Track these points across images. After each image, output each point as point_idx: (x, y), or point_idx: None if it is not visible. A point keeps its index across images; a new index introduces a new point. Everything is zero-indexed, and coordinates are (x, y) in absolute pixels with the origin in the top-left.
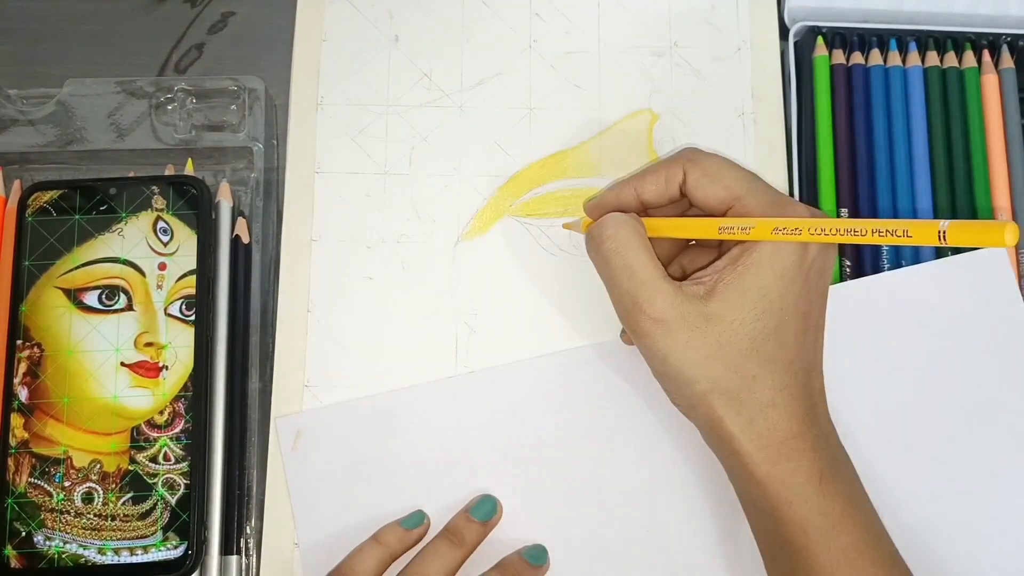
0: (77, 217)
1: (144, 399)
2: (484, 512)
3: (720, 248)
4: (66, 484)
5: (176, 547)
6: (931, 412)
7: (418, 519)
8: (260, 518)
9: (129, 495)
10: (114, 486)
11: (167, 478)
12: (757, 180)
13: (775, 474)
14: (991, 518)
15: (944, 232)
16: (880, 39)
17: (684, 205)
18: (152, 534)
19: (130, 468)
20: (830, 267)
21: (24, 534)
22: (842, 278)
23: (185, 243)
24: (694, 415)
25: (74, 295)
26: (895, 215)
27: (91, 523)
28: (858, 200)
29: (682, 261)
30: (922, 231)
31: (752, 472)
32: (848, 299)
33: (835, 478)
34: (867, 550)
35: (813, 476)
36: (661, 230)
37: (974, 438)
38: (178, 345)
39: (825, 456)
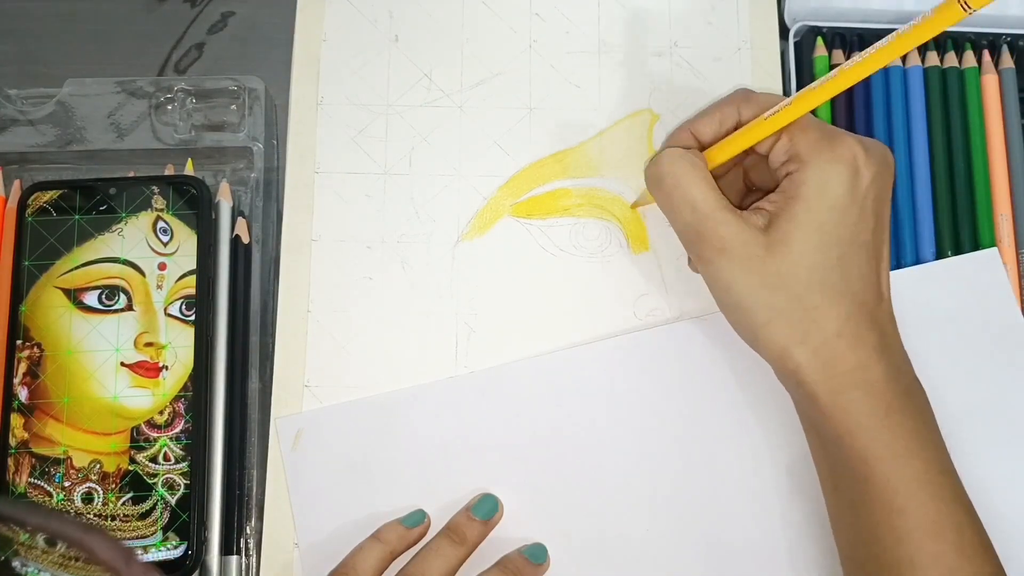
0: (77, 217)
1: (144, 399)
2: (485, 511)
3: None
4: (66, 484)
5: (176, 547)
6: None
7: (418, 518)
8: (260, 518)
9: (129, 495)
10: (114, 486)
11: (167, 478)
12: (807, 116)
13: (840, 403)
14: (987, 518)
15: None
16: (880, 39)
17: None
18: (152, 534)
19: (130, 468)
20: (887, 192)
21: None
22: None
23: (185, 243)
24: (759, 347)
25: (74, 295)
26: (895, 215)
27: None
28: None
29: (743, 202)
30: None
31: (816, 401)
32: None
33: (903, 411)
34: (928, 485)
35: (879, 408)
36: (717, 158)
37: (970, 438)
38: (178, 345)
39: (894, 388)
